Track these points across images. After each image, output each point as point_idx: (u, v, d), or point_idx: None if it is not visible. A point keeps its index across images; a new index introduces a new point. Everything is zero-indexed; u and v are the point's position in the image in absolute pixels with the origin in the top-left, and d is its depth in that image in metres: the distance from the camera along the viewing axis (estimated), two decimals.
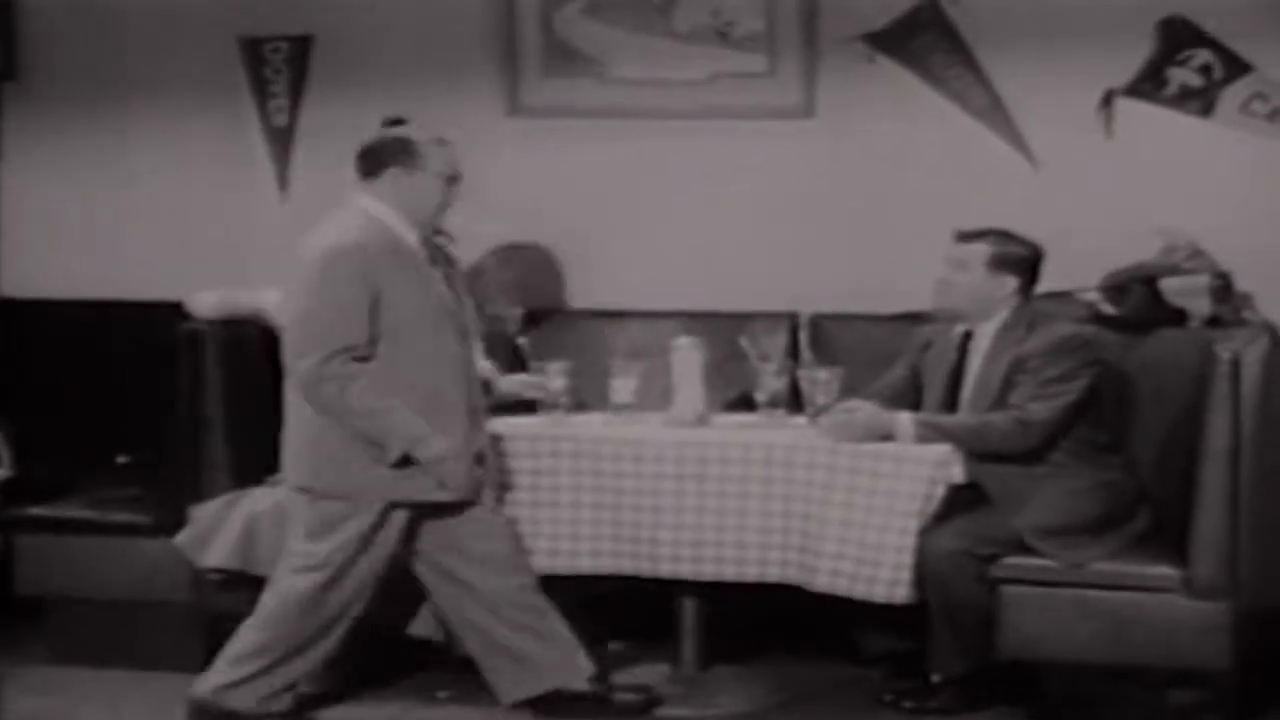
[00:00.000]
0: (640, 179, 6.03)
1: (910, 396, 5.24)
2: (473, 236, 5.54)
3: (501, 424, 5.13)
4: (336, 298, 4.59)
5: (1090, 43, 5.69)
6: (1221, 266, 5.31)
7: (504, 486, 5.01)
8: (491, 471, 4.86)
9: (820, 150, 5.95)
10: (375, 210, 4.69)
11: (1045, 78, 5.75)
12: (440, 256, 4.86)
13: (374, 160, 4.73)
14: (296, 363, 4.64)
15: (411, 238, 4.73)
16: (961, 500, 4.93)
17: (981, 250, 5.07)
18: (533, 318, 5.80)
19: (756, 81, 5.96)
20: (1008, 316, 5.05)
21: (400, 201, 4.69)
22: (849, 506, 4.87)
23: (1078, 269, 5.34)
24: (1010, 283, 5.07)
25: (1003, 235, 5.09)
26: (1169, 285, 5.27)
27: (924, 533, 4.82)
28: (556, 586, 5.00)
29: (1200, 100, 5.65)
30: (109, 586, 5.55)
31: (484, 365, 5.11)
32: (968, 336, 5.13)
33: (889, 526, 4.83)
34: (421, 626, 5.18)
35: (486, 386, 5.06)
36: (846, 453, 4.92)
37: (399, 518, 4.79)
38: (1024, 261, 5.09)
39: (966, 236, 5.09)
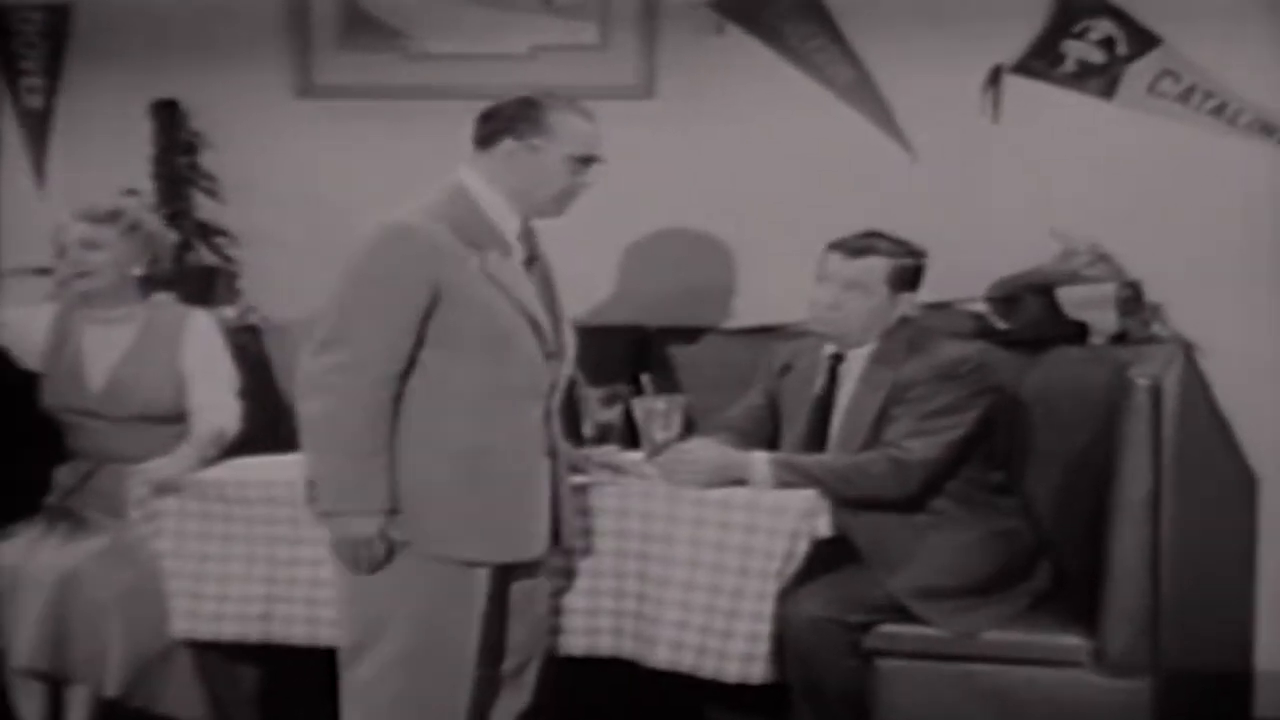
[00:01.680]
0: (450, 168, 5.12)
1: (767, 430, 4.80)
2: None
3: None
4: (373, 290, 3.98)
5: (974, 11, 5.36)
6: (1128, 273, 5.02)
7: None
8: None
9: (660, 135, 5.56)
10: (473, 187, 4.10)
11: (921, 51, 5.41)
12: (539, 255, 4.23)
13: (490, 126, 4.13)
14: (302, 359, 4.04)
15: (511, 227, 4.13)
16: (828, 557, 4.48)
17: (879, 266, 4.62)
18: None
19: (586, 55, 5.65)
20: (883, 336, 4.66)
21: (511, 181, 4.10)
22: (694, 565, 4.38)
23: (961, 276, 5.03)
24: (908, 301, 4.67)
25: (893, 243, 4.66)
26: (1068, 295, 4.98)
27: (784, 597, 4.37)
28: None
29: (1101, 79, 5.31)
30: None
31: None
32: (837, 359, 4.69)
33: (742, 590, 4.35)
34: None
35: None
36: (690, 500, 4.42)
37: None
38: (919, 274, 4.68)
39: (855, 250, 4.63)
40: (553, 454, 4.18)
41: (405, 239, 4.00)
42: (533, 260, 4.18)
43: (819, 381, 4.71)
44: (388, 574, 4.03)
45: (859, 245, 4.61)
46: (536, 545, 4.13)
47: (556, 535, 4.20)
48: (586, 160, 4.15)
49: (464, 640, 4.07)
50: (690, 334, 5.43)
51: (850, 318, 4.62)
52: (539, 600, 4.29)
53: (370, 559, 4.02)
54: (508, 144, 4.10)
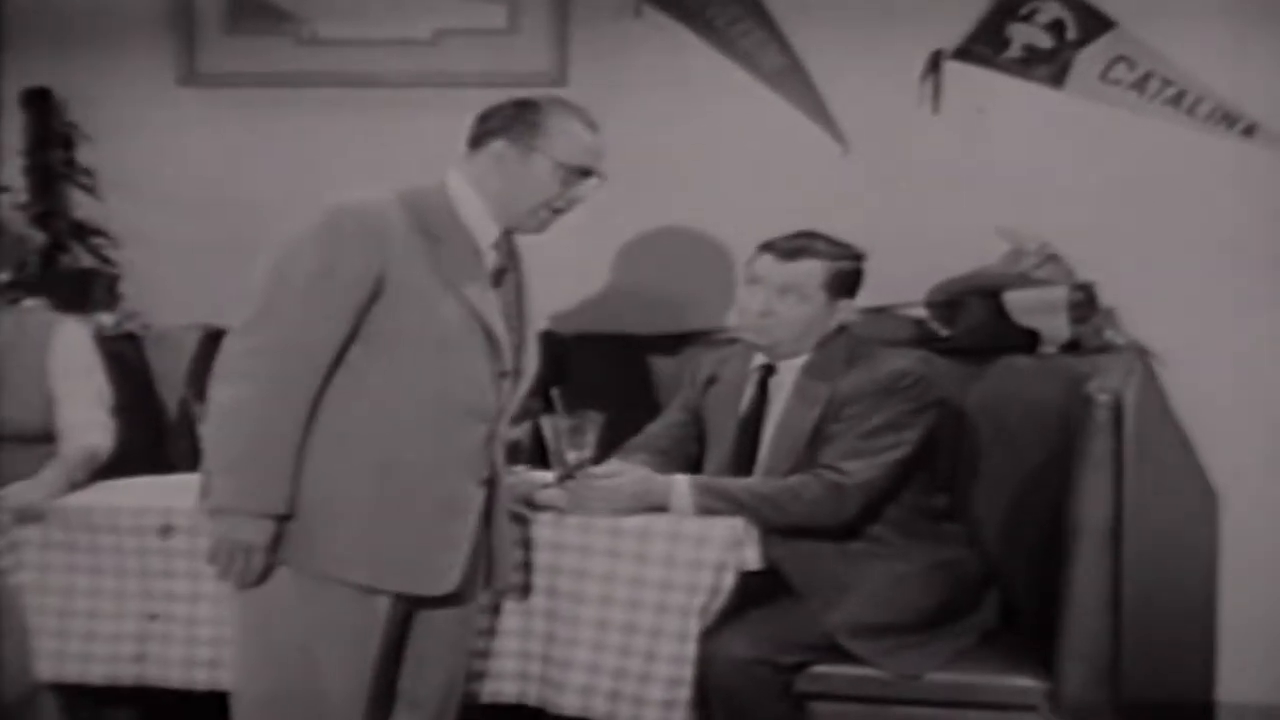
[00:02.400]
0: (348, 162, 5.53)
1: (689, 449, 4.61)
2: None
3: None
4: (309, 271, 3.81)
5: None
6: (1080, 275, 4.93)
7: None
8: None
9: None
10: (454, 187, 3.97)
11: (856, 35, 5.33)
12: (514, 264, 4.09)
13: (484, 126, 4.01)
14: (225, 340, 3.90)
15: (487, 234, 3.98)
16: (756, 591, 4.28)
17: (817, 270, 4.42)
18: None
19: (494, 40, 5.54)
20: (817, 345, 4.46)
21: (496, 186, 3.98)
22: (607, 602, 4.18)
23: (898, 278, 4.90)
24: (847, 308, 4.48)
25: (831, 245, 4.49)
26: (1015, 300, 4.88)
27: (708, 635, 4.16)
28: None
29: (1050, 65, 5.23)
30: None
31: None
32: (768, 371, 4.49)
33: (660, 629, 4.14)
34: None
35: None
36: (603, 530, 4.19)
37: None
38: (858, 278, 4.49)
39: (789, 251, 4.44)
40: (490, 482, 3.99)
41: (354, 219, 3.84)
42: (504, 273, 4.02)
43: (747, 395, 4.52)
44: (271, 597, 3.84)
45: (794, 246, 4.43)
46: (448, 579, 3.90)
47: (489, 573, 4.03)
48: (582, 173, 4.01)
49: (353, 678, 3.87)
50: (605, 342, 5.34)
51: (783, 325, 4.43)
52: (461, 642, 4.08)
53: (247, 570, 3.82)
54: (498, 146, 3.96)
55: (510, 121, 3.98)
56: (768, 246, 4.43)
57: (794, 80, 5.35)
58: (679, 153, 5.38)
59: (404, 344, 3.86)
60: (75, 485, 4.49)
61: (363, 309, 3.83)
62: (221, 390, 3.80)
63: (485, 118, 4.02)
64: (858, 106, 5.30)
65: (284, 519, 3.78)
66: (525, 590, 4.23)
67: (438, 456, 3.88)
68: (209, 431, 3.86)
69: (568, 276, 5.34)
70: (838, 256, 4.41)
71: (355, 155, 5.54)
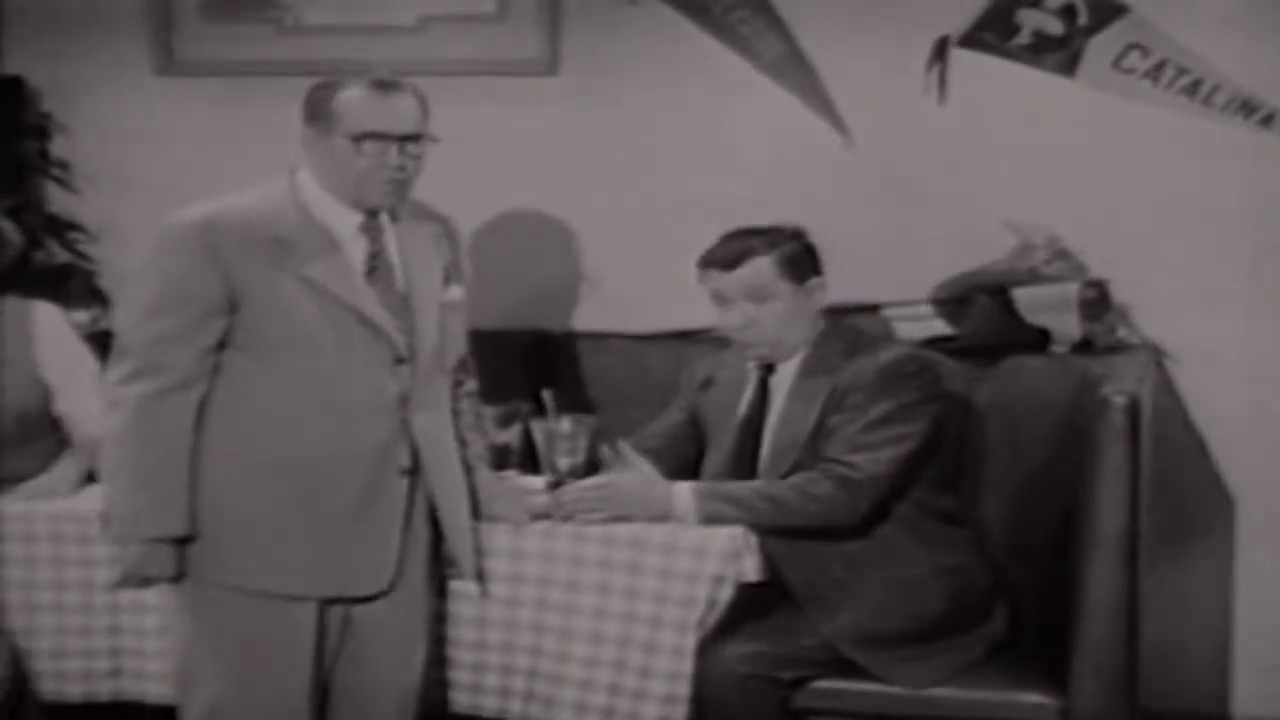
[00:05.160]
0: None
1: (686, 451, 4.55)
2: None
3: None
4: (160, 292, 3.88)
5: None
6: (1091, 272, 4.88)
7: None
8: None
9: (566, 116, 5.45)
10: (303, 180, 4.00)
11: (859, 23, 5.26)
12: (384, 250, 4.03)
13: (302, 115, 4.04)
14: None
15: (346, 223, 3.97)
16: (755, 601, 4.18)
17: (765, 265, 4.34)
18: None
19: (483, 27, 5.47)
20: (816, 339, 4.37)
21: (319, 172, 4.00)
22: (600, 615, 4.09)
23: (904, 274, 4.98)
24: (819, 284, 4.38)
25: (763, 234, 4.39)
26: (1025, 297, 4.85)
27: (704, 649, 4.07)
28: None
29: (1061, 53, 5.14)
30: None
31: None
32: (768, 370, 4.40)
33: (656, 644, 4.05)
34: None
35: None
36: (597, 540, 4.11)
37: None
38: (813, 253, 4.39)
39: (729, 261, 4.35)
40: (412, 471, 3.94)
41: (192, 235, 3.87)
42: (377, 257, 3.98)
43: (747, 397, 4.44)
44: (197, 612, 3.89)
45: (731, 253, 4.35)
46: (378, 577, 3.89)
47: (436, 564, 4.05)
48: (376, 136, 3.95)
49: (291, 687, 3.87)
50: (599, 340, 5.26)
51: (770, 328, 4.35)
52: (407, 641, 4.02)
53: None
54: (305, 133, 4.00)
55: (308, 105, 4.00)
56: (707, 263, 4.36)
57: (794, 69, 5.29)
58: (675, 143, 5.34)
59: (275, 348, 3.88)
60: (91, 477, 4.46)
61: (220, 319, 3.84)
62: (106, 423, 3.84)
63: (303, 105, 4.05)
64: (861, 97, 5.23)
65: (188, 539, 3.80)
66: (513, 604, 4.16)
67: (342, 452, 3.86)
68: (102, 465, 3.90)
69: (558, 272, 5.36)
70: (778, 243, 4.35)
71: None
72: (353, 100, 3.92)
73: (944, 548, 4.33)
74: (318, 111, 3.96)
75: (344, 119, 3.93)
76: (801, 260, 4.34)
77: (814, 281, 4.34)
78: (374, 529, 3.90)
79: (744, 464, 4.37)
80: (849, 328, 4.45)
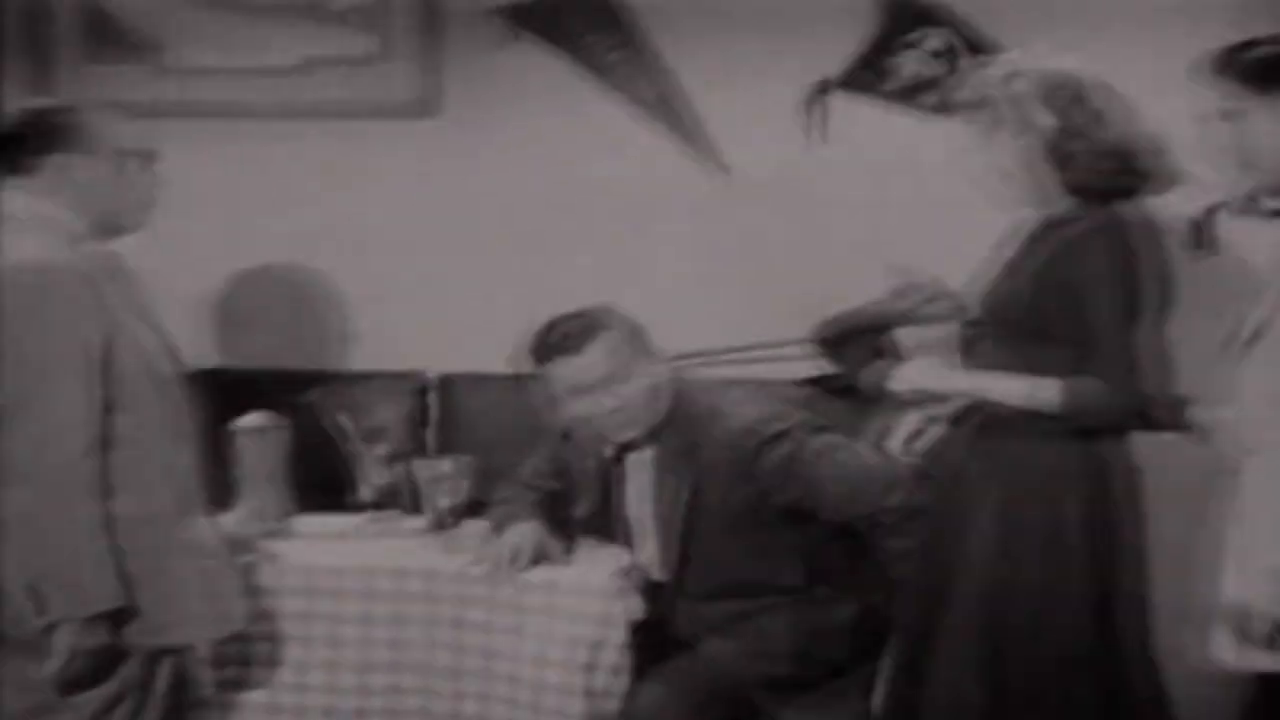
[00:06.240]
0: (210, 195, 5.39)
1: (557, 492, 4.51)
2: None
3: None
4: (45, 346, 3.58)
5: (796, 19, 5.21)
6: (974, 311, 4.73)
7: None
8: None
9: (446, 158, 5.44)
10: (47, 215, 3.70)
11: (739, 63, 5.25)
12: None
13: (25, 146, 3.77)
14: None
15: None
16: (672, 643, 4.24)
17: (615, 339, 4.20)
18: None
19: (363, 69, 5.45)
20: (657, 435, 4.25)
21: (81, 201, 3.79)
22: (490, 655, 4.08)
23: (785, 314, 4.81)
24: (659, 357, 4.29)
25: (594, 315, 4.24)
26: (901, 339, 4.68)
27: (629, 693, 4.07)
28: None
29: (938, 93, 5.06)
30: None
31: None
32: (623, 449, 4.31)
33: (543, 683, 4.07)
34: None
35: None
36: (481, 580, 4.15)
37: None
38: (640, 327, 4.29)
39: (575, 344, 4.18)
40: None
41: (65, 279, 3.61)
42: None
43: (601, 460, 4.38)
44: None
45: (574, 334, 4.19)
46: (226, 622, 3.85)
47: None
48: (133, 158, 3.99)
49: None
50: (476, 382, 5.23)
51: (636, 407, 4.23)
52: None
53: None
54: (55, 160, 3.80)
55: (55, 132, 3.83)
56: (546, 352, 4.22)
57: (675, 109, 5.32)
58: (554, 184, 5.33)
59: (144, 392, 3.67)
60: None
61: (99, 369, 3.60)
62: (7, 500, 3.55)
63: (13, 138, 3.85)
64: (741, 137, 5.24)
65: (125, 609, 3.58)
66: (430, 648, 4.10)
67: (177, 496, 3.71)
68: (17, 546, 3.57)
69: (434, 315, 5.32)
70: (608, 319, 4.22)
71: (216, 189, 5.42)
72: (109, 118, 3.92)
73: (853, 590, 4.28)
74: (67, 135, 3.81)
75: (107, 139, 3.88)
76: (640, 332, 4.27)
77: (654, 357, 4.27)
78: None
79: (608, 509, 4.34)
80: (684, 414, 4.29)
